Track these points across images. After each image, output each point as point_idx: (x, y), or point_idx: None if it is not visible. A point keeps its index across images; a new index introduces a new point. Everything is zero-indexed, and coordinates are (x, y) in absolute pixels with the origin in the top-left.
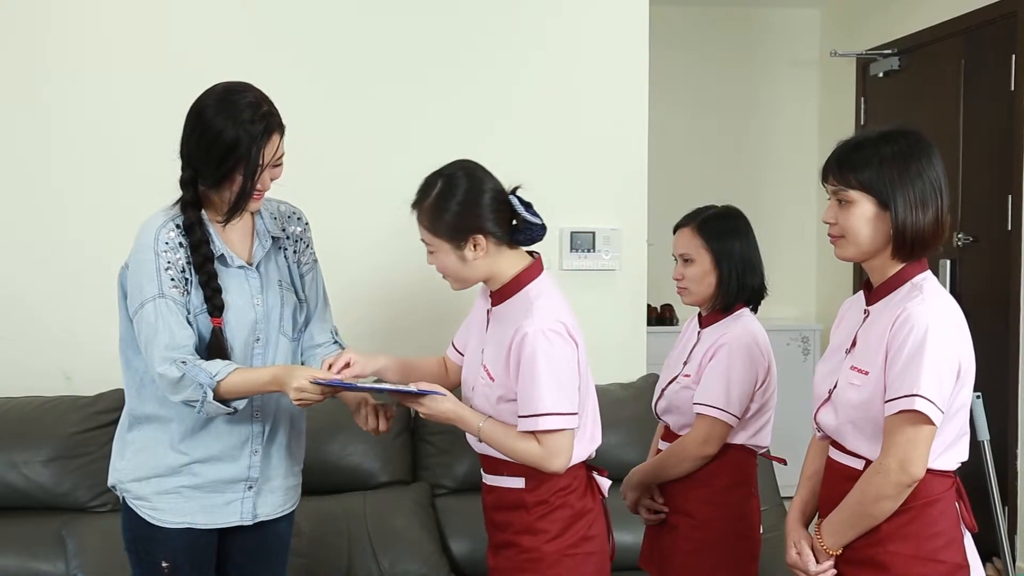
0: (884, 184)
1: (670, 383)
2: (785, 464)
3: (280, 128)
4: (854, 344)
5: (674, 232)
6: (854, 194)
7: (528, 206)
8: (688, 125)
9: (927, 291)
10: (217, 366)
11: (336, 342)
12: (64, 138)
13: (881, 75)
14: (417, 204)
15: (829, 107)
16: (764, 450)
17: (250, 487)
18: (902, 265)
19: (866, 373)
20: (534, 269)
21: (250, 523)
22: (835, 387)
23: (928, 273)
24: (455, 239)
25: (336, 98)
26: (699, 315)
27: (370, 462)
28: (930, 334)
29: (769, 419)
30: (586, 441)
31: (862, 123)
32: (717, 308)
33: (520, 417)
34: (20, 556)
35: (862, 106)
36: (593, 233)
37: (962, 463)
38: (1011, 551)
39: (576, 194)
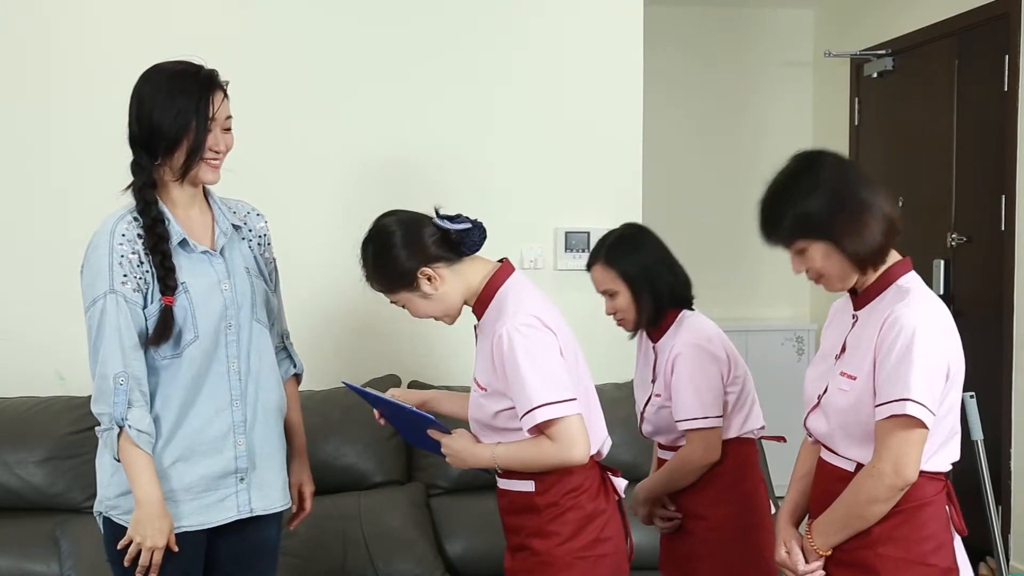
0: (812, 224)
1: (646, 404)
2: (784, 441)
3: (220, 86)
4: (844, 350)
5: (588, 270)
6: (800, 243)
7: (454, 218)
8: (682, 125)
9: (914, 293)
10: (140, 421)
11: (286, 347)
12: (63, 139)
13: (875, 75)
14: (366, 277)
15: (823, 107)
16: (761, 432)
17: (241, 479)
18: (885, 267)
19: (854, 378)
20: (502, 272)
21: (248, 516)
22: (824, 392)
23: (912, 274)
24: (408, 283)
25: (322, 99)
26: (647, 333)
27: (365, 462)
28: (918, 337)
29: (753, 402)
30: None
31: (856, 123)
32: (653, 324)
33: (521, 420)
34: (13, 557)
35: (856, 106)
36: (588, 233)
37: (953, 464)
38: (1005, 551)
39: (571, 194)
